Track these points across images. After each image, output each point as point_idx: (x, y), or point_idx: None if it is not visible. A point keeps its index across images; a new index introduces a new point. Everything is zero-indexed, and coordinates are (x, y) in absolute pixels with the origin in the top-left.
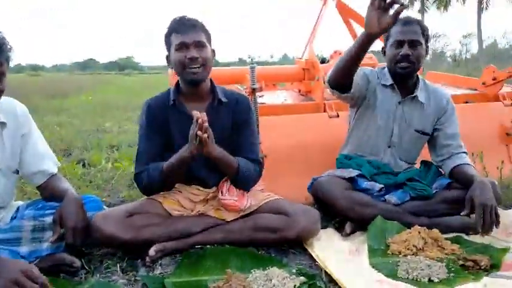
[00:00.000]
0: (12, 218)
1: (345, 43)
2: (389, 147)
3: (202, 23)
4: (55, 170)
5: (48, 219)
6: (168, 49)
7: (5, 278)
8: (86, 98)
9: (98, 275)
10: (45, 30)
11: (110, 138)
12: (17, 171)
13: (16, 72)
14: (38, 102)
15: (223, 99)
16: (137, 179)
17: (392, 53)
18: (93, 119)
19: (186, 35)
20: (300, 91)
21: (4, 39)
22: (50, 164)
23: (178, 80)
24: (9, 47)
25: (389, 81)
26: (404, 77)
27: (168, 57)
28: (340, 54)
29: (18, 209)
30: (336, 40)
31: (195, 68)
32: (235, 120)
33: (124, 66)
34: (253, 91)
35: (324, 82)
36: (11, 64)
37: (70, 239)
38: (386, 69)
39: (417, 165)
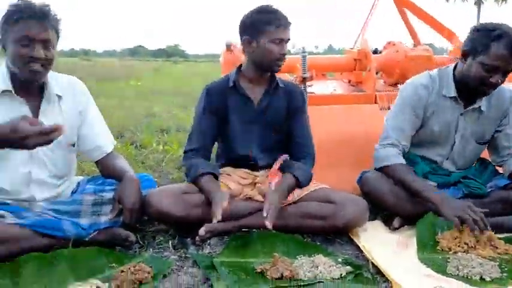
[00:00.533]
0: (73, 192)
1: (399, 34)
2: (447, 159)
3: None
4: (110, 148)
5: (107, 195)
6: (255, 35)
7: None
8: (135, 83)
9: (150, 249)
10: (96, 16)
11: (159, 122)
12: (74, 145)
13: (70, 56)
14: (90, 85)
15: (281, 85)
16: (184, 158)
17: (480, 75)
18: (142, 104)
19: (285, 32)
20: (350, 81)
21: (50, 10)
22: (107, 141)
23: (240, 65)
24: (57, 17)
25: (453, 93)
26: (479, 96)
27: (249, 42)
28: (393, 45)
29: (79, 183)
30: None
31: (281, 63)
32: (291, 107)
33: (171, 53)
34: (304, 80)
35: (376, 73)
36: (66, 47)
37: (128, 218)
38: (451, 77)
39: None
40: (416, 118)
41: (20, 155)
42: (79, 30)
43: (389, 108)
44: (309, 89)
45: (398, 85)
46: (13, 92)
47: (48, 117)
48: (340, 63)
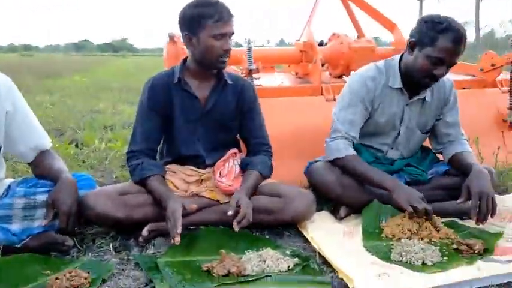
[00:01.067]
0: (3, 196)
1: (343, 26)
2: (392, 148)
3: None
4: (47, 146)
5: (40, 197)
6: (194, 31)
7: None
8: (79, 79)
9: (90, 253)
10: (38, 11)
11: (103, 119)
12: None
13: (8, 51)
14: (30, 82)
15: (229, 81)
16: (128, 159)
17: (426, 67)
18: (86, 100)
19: (227, 26)
20: (297, 74)
21: None
22: (43, 140)
23: (185, 58)
24: None
25: (399, 85)
26: (422, 87)
27: (189, 38)
28: (338, 37)
29: (9, 187)
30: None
31: (226, 59)
32: (242, 106)
33: (119, 47)
34: (250, 72)
35: (321, 65)
36: (4, 42)
37: (64, 223)
38: (397, 69)
39: None
40: (365, 110)
41: None
42: (19, 25)
43: (334, 100)
44: (256, 82)
45: (343, 76)
46: None
47: None
48: (286, 55)
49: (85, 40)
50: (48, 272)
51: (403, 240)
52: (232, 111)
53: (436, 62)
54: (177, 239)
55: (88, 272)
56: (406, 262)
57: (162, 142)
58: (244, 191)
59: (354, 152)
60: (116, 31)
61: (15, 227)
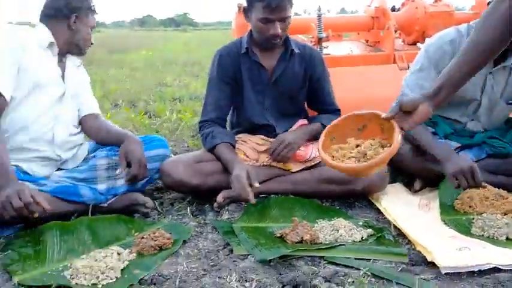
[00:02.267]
0: (87, 159)
1: None
2: (472, 120)
3: None
4: (97, 110)
5: None
6: (248, 7)
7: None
8: (146, 53)
9: (169, 216)
10: None
11: (171, 91)
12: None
13: None
14: (101, 57)
15: (296, 50)
16: (200, 128)
17: None
18: (154, 74)
19: (275, 12)
20: (367, 41)
21: None
22: (94, 104)
23: (251, 29)
24: None
25: None
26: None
27: (245, 11)
28: (413, 1)
29: (89, 151)
30: None
31: (276, 41)
32: (311, 75)
33: (180, 22)
34: (320, 40)
35: (394, 30)
36: None
37: (136, 170)
38: None
39: None
40: (437, 75)
41: (44, 116)
42: None
43: (408, 68)
44: (324, 51)
45: (418, 44)
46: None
47: (72, 77)
48: (357, 22)
49: (148, 15)
50: (134, 231)
51: (484, 214)
52: (300, 80)
53: None
54: (252, 200)
55: (170, 233)
56: (488, 237)
57: (232, 112)
58: (293, 132)
59: None
60: (178, 6)
61: (101, 186)
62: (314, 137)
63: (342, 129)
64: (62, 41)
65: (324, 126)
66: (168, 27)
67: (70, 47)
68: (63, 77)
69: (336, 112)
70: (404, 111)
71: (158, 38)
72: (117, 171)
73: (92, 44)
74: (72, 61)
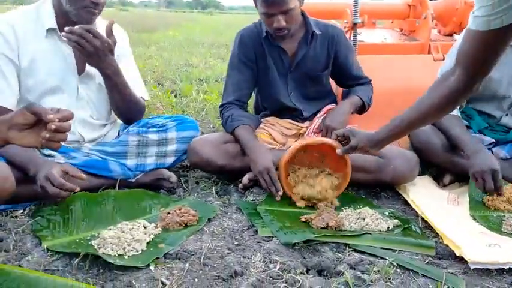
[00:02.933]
0: (119, 134)
1: None
2: (507, 115)
3: None
4: (146, 97)
5: (151, 136)
6: (255, 0)
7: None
8: (172, 34)
9: (195, 195)
10: None
11: (197, 72)
12: None
13: (107, 6)
14: (129, 35)
15: (317, 32)
16: (221, 111)
17: None
18: (181, 54)
19: (273, 6)
20: (402, 30)
21: None
22: (141, 91)
23: None
24: None
25: None
26: None
27: (255, 2)
28: None
29: (123, 126)
30: None
31: (281, 33)
32: (335, 54)
33: (207, 4)
34: (354, 26)
35: (431, 20)
36: None
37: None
38: None
39: None
40: None
41: (67, 95)
42: None
43: (443, 59)
44: (358, 37)
45: (454, 35)
46: (58, 32)
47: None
48: (393, 10)
49: None
50: (160, 206)
51: None
52: (322, 62)
53: None
54: (278, 198)
55: (195, 211)
56: None
57: (257, 95)
58: (334, 115)
59: (454, 111)
60: None
61: (130, 162)
62: (356, 110)
63: (303, 158)
64: (61, 15)
65: (361, 99)
66: (194, 9)
67: (68, 19)
68: (82, 63)
69: (368, 83)
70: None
71: (184, 20)
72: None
73: (94, 4)
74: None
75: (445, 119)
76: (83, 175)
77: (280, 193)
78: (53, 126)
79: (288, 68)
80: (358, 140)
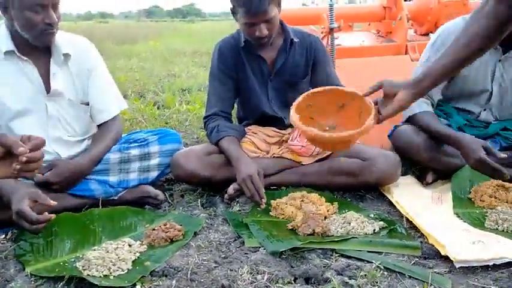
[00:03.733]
0: None
1: None
2: (484, 110)
3: None
4: (111, 115)
5: (133, 152)
6: (235, 11)
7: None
8: (154, 44)
9: (180, 208)
10: None
11: (180, 82)
12: (88, 104)
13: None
14: (109, 48)
15: (295, 39)
16: (205, 123)
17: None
18: (162, 64)
19: (255, 16)
20: (379, 32)
21: None
22: (110, 106)
23: None
24: None
25: None
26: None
27: (233, 14)
28: None
29: None
30: None
31: (264, 41)
32: (313, 61)
33: (187, 13)
34: (331, 31)
35: (407, 20)
36: (82, 11)
37: (52, 177)
38: None
39: None
40: None
41: (37, 116)
42: None
43: None
44: (336, 41)
45: (430, 34)
46: (17, 52)
47: (59, 80)
48: (368, 13)
49: (155, 6)
50: (144, 223)
51: (498, 207)
52: (302, 68)
53: None
54: (263, 206)
55: (181, 225)
56: (503, 231)
57: (238, 106)
58: None
59: (429, 109)
60: None
61: (112, 179)
62: None
63: (321, 101)
64: (18, 36)
65: None
66: (175, 18)
67: (26, 40)
68: (48, 81)
69: None
70: (384, 95)
71: (165, 29)
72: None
73: (49, 25)
74: (57, 58)
75: (422, 118)
76: (52, 202)
77: (264, 200)
78: (24, 159)
79: (268, 76)
80: (396, 82)
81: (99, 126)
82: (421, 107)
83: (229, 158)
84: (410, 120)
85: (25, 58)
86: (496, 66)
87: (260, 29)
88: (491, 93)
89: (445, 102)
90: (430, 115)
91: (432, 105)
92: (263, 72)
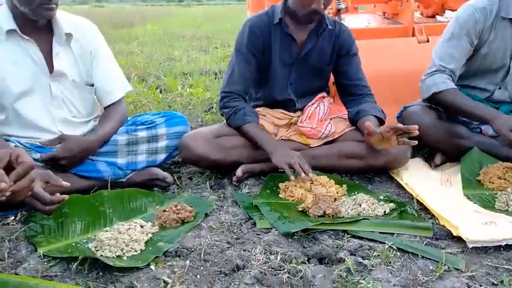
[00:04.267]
0: None
1: None
2: (500, 88)
3: None
4: (118, 96)
5: (141, 134)
6: None
7: None
8: (152, 28)
9: (189, 190)
10: None
11: (180, 66)
12: (92, 85)
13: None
14: (107, 32)
15: (330, 27)
16: (223, 98)
17: None
18: (162, 48)
19: None
20: (385, 14)
21: None
22: (116, 88)
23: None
24: None
25: None
26: None
27: None
28: None
29: None
30: None
31: (315, 16)
32: (339, 50)
33: None
34: (339, 12)
35: (414, 2)
36: None
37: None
38: None
39: None
40: (469, 45)
41: (41, 96)
42: None
43: (428, 41)
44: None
45: (437, 16)
46: (19, 31)
47: (62, 60)
48: None
49: None
50: (155, 204)
51: (509, 189)
52: (328, 56)
53: None
54: (309, 179)
55: (191, 206)
56: None
57: (252, 85)
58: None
59: (454, 86)
60: None
61: (121, 161)
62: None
63: None
64: (20, 15)
65: (378, 118)
66: (171, 1)
67: (28, 18)
68: (51, 61)
69: (367, 91)
70: None
71: (162, 13)
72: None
73: (49, 1)
74: (59, 37)
75: (448, 95)
76: (65, 183)
77: (311, 175)
78: (8, 193)
79: (295, 58)
80: None
81: (105, 108)
82: (446, 83)
83: (260, 142)
84: (434, 96)
85: (27, 38)
86: None
87: (319, 2)
88: (508, 70)
89: (458, 80)
90: (456, 92)
91: (453, 80)
92: (291, 53)
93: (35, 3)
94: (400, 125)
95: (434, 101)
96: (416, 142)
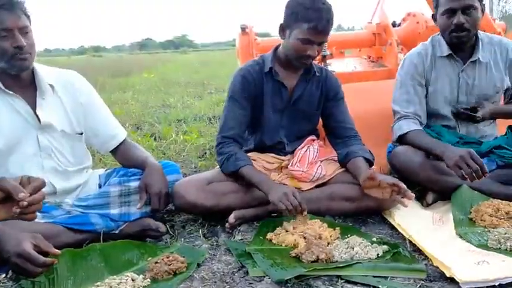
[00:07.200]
0: (99, 186)
1: (418, 4)
2: (460, 124)
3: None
4: (123, 136)
5: (133, 184)
6: (289, 24)
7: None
8: (147, 76)
9: (182, 239)
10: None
11: (175, 113)
12: (81, 133)
13: (79, 53)
14: (103, 81)
15: (317, 73)
16: (220, 145)
17: (444, 23)
18: (157, 95)
19: (319, 35)
20: (370, 57)
21: None
22: (118, 130)
23: (277, 46)
24: (22, 1)
25: (447, 52)
26: (462, 45)
27: (283, 28)
28: (414, 16)
29: (99, 177)
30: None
31: (308, 62)
32: (327, 94)
33: (180, 44)
34: (324, 58)
35: (397, 45)
36: (75, 45)
37: (156, 204)
38: (440, 37)
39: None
40: (419, 86)
41: (29, 149)
42: (87, 28)
43: None
44: (329, 68)
45: None
46: (2, 87)
47: (48, 112)
48: (359, 39)
49: (148, 39)
50: (147, 256)
51: (500, 228)
52: (317, 100)
53: (450, 14)
54: (305, 216)
55: (184, 257)
56: (506, 250)
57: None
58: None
59: (418, 127)
60: (176, 28)
61: (113, 211)
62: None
63: None
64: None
65: (368, 160)
66: (167, 49)
67: (8, 73)
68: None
69: (354, 133)
70: None
71: (159, 61)
72: (138, 206)
73: (19, 49)
74: (42, 89)
75: (411, 136)
76: (55, 250)
77: (305, 212)
78: (25, 204)
79: (287, 103)
80: None
81: (112, 151)
82: (409, 126)
83: (256, 183)
84: (401, 139)
85: (11, 92)
86: (459, 77)
87: (313, 49)
88: (457, 102)
89: (431, 120)
90: (418, 132)
91: (420, 123)
92: (282, 99)
93: (7, 55)
94: (402, 185)
95: (403, 143)
96: (407, 205)
